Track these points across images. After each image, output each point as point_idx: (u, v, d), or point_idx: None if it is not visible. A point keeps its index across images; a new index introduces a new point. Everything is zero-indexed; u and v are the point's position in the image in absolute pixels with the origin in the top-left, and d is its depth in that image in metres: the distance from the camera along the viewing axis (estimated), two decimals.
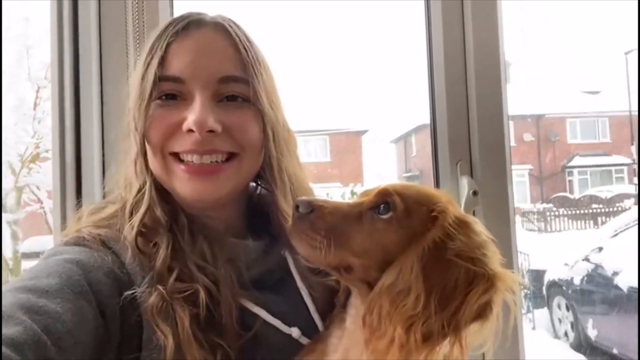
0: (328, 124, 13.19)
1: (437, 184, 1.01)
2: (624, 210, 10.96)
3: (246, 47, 0.71)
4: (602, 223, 10.88)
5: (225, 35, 0.71)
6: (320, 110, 13.35)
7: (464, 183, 0.96)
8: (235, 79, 0.69)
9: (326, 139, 13.55)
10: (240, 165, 0.71)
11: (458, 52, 1.00)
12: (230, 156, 0.70)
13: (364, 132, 13.39)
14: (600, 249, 4.13)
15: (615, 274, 3.82)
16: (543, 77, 14.59)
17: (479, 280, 0.53)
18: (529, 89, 14.19)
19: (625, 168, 14.15)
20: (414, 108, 12.50)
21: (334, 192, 6.31)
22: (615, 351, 3.75)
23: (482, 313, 0.52)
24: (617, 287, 3.75)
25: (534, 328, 4.85)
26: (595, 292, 4.09)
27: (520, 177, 13.92)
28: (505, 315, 0.53)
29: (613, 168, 14.14)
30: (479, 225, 0.58)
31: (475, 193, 0.96)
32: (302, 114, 13.16)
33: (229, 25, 0.72)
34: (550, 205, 12.42)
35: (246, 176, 0.73)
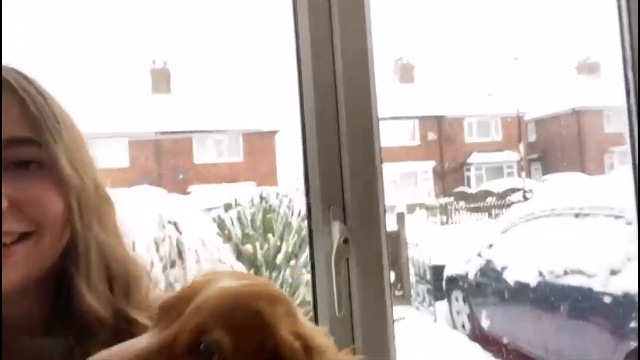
0: (241, 123, 12.97)
1: (309, 229, 0.98)
2: (512, 203, 12.06)
3: (37, 102, 0.59)
4: (495, 215, 11.91)
5: (9, 90, 0.59)
6: (233, 109, 13.09)
7: (336, 229, 0.92)
8: (23, 142, 0.57)
9: (239, 138, 13.33)
10: (37, 247, 0.58)
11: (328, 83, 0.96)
12: (24, 235, 0.57)
13: (276, 132, 13.36)
14: (491, 245, 4.48)
15: (504, 268, 4.17)
16: (444, 79, 15.57)
17: None
18: (432, 90, 15.09)
19: (514, 164, 15.60)
20: None
21: (248, 191, 6.19)
22: (505, 340, 4.10)
23: None
24: (505, 281, 4.10)
25: (435, 320, 5.16)
26: (487, 286, 4.44)
27: (424, 174, 14.75)
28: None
29: (504, 164, 15.53)
30: (324, 344, 0.48)
31: (346, 241, 0.91)
32: (214, 113, 12.81)
33: (14, 79, 0.60)
34: (451, 199, 13.33)
35: (45, 258, 0.60)
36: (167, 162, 12.78)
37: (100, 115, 11.62)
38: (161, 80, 13.67)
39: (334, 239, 0.90)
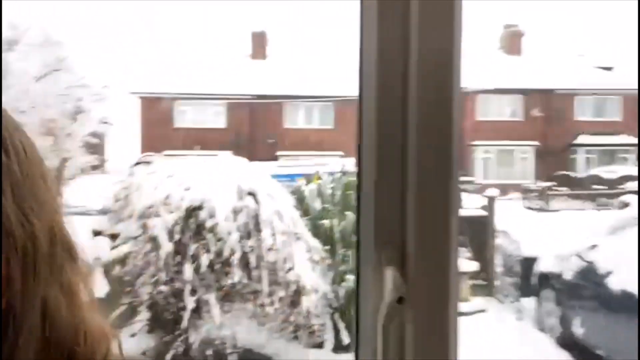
0: (334, 89, 12.82)
1: (357, 275, 0.75)
2: (624, 192, 10.76)
3: None
4: (603, 205, 10.72)
5: None
6: (327, 75, 12.96)
7: (388, 280, 0.68)
8: None
9: (331, 105, 13.25)
10: None
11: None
12: None
13: None
14: (595, 246, 3.97)
15: (608, 274, 3.68)
16: (556, 48, 14.05)
17: None
18: (541, 60, 13.70)
19: (632, 149, 13.85)
20: None
21: (332, 163, 6.09)
22: (600, 352, 3.66)
23: None
24: (608, 287, 3.62)
25: (519, 319, 4.77)
26: (585, 290, 3.98)
27: (523, 153, 13.65)
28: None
29: (619, 148, 13.85)
30: None
31: (400, 300, 0.66)
32: (308, 79, 12.78)
33: None
34: (553, 183, 12.22)
35: None
36: (260, 125, 13.11)
37: (204, 77, 12.16)
38: (259, 45, 13.89)
39: (386, 293, 0.68)
